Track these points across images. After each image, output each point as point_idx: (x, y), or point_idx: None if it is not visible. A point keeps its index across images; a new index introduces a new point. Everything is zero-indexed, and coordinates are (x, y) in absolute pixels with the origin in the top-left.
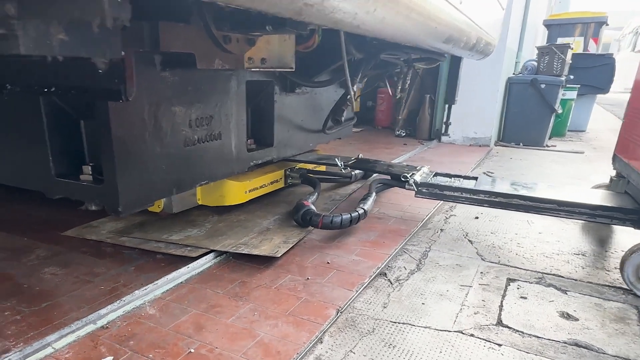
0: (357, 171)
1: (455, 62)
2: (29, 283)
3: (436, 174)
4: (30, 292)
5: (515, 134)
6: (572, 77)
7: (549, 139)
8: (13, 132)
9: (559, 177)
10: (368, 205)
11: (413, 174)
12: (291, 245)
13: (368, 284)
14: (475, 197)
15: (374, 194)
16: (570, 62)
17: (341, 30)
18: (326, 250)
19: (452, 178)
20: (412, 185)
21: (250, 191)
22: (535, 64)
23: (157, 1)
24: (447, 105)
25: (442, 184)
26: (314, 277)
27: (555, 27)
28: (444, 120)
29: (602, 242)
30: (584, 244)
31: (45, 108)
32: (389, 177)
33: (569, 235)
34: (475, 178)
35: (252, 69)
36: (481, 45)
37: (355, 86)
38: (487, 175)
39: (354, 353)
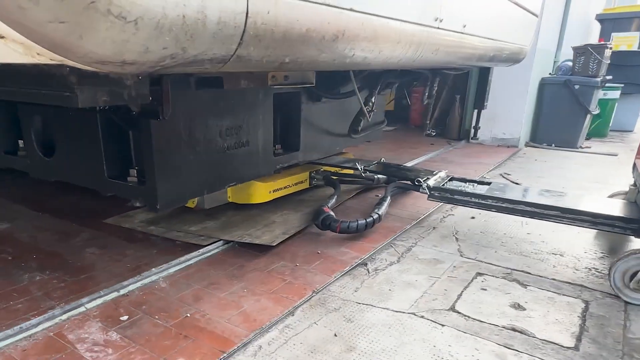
0: (381, 175)
1: (484, 69)
2: (73, 260)
3: (452, 179)
4: (73, 267)
5: (548, 135)
6: (610, 77)
7: (588, 139)
8: (75, 141)
9: (578, 181)
10: (382, 210)
11: (428, 178)
12: (288, 236)
13: (348, 271)
14: (483, 202)
15: (388, 198)
16: (609, 62)
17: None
18: (321, 241)
19: (467, 183)
20: (425, 190)
21: (274, 191)
22: (571, 64)
23: None
24: (476, 110)
25: (453, 188)
26: (302, 264)
27: (609, 22)
28: (473, 124)
29: (589, 245)
30: (568, 245)
31: (101, 121)
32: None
33: (557, 237)
34: (489, 183)
35: (277, 86)
36: (504, 56)
37: (374, 97)
38: (503, 177)
39: (317, 324)
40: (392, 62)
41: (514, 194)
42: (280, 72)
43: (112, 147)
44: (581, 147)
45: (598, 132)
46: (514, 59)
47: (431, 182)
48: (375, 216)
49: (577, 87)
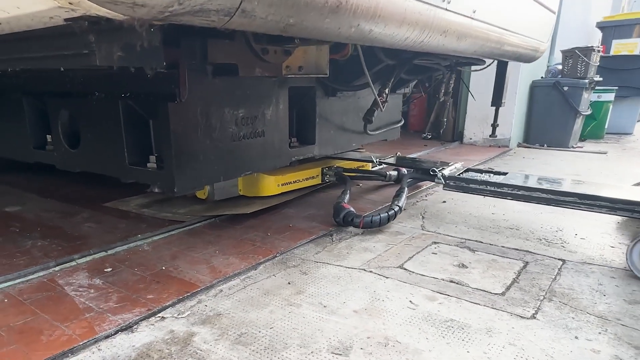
0: (393, 172)
1: (502, 65)
2: (72, 232)
3: (468, 170)
4: (71, 236)
5: (540, 136)
6: (600, 79)
7: (583, 140)
8: (99, 131)
9: (559, 174)
10: (402, 201)
11: (443, 168)
12: (261, 208)
13: (313, 239)
14: (499, 190)
15: (405, 189)
16: (597, 64)
17: (359, 46)
18: (294, 219)
19: (483, 173)
20: (440, 179)
21: (282, 185)
22: (560, 67)
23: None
24: (495, 108)
25: (469, 177)
26: (273, 234)
27: (609, 29)
28: (491, 123)
29: (547, 223)
30: (527, 222)
31: (122, 110)
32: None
33: (519, 216)
34: (505, 173)
35: (290, 76)
36: (520, 51)
37: (387, 89)
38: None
39: (275, 276)
40: (397, 39)
41: (530, 182)
42: (295, 62)
43: (133, 136)
44: (573, 147)
45: (594, 134)
46: (530, 55)
47: (446, 172)
48: (397, 208)
49: (566, 88)
